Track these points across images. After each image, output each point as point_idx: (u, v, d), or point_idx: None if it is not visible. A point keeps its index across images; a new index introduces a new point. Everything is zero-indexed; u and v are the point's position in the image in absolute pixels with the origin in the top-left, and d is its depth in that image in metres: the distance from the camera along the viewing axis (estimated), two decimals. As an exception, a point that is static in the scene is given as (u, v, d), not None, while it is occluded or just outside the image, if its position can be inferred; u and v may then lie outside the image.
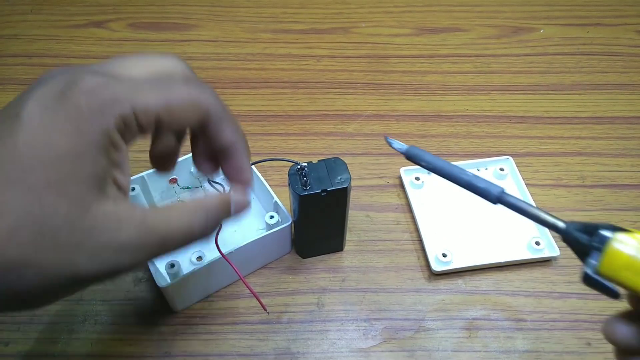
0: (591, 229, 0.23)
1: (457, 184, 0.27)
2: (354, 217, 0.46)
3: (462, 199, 0.47)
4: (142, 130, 0.24)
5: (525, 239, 0.44)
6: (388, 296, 0.42)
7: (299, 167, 0.37)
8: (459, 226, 0.46)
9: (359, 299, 0.42)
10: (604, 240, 0.22)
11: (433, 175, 0.49)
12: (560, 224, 0.24)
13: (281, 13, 0.67)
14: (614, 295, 0.22)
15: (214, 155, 0.29)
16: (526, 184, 0.48)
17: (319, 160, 0.38)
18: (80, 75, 0.23)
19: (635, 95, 0.58)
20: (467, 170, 0.27)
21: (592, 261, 0.22)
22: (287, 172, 0.38)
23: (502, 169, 0.49)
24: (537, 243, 0.43)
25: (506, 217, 0.46)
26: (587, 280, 0.22)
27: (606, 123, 0.55)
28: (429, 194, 0.48)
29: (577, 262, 0.43)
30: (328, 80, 0.59)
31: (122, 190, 0.24)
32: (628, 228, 0.22)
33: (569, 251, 0.44)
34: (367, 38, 0.64)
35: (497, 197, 0.25)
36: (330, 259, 0.44)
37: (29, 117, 0.22)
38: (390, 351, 0.39)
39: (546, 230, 0.44)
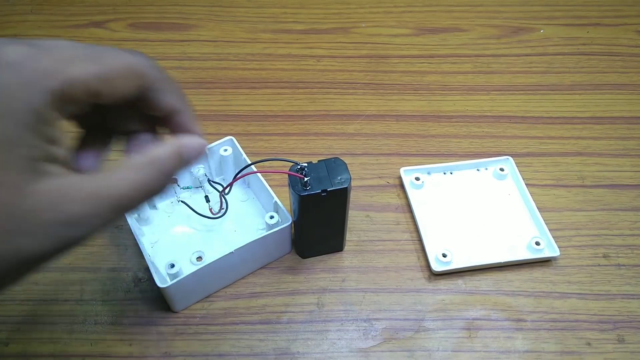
0: None
1: None
2: (354, 217, 0.46)
3: (462, 199, 0.47)
4: (78, 103, 0.23)
5: (525, 239, 0.44)
6: (388, 296, 0.42)
7: (299, 167, 0.37)
8: (459, 226, 0.46)
9: (359, 299, 0.42)
10: None
11: (433, 175, 0.49)
12: None
13: (281, 13, 0.67)
14: None
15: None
16: (526, 184, 0.48)
17: (319, 160, 0.38)
18: (2, 47, 0.22)
19: (635, 95, 0.58)
20: None
21: None
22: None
23: (502, 169, 0.49)
24: (537, 243, 0.43)
25: (506, 217, 0.46)
26: None
27: (606, 123, 0.55)
28: (429, 194, 0.48)
29: (578, 262, 0.44)
30: (328, 80, 0.59)
31: (64, 164, 0.23)
32: None
33: (569, 251, 0.44)
34: (367, 38, 0.64)
35: None
36: (330, 259, 0.44)
37: None
38: (390, 351, 0.39)
39: (546, 230, 0.44)
